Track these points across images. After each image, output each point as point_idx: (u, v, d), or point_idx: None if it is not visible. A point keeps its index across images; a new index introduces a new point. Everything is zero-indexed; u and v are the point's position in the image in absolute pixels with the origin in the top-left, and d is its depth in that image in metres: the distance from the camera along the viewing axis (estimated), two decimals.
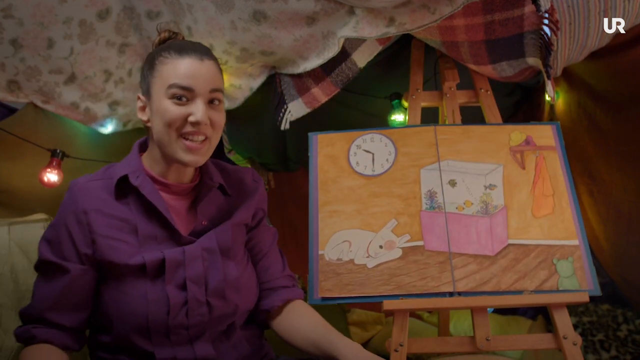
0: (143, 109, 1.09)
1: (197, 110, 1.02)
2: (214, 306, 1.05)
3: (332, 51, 1.48)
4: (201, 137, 1.04)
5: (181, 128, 1.03)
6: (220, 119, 1.08)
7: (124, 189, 1.07)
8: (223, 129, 1.16)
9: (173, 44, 1.07)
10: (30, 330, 1.02)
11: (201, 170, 1.15)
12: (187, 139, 1.03)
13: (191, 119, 1.02)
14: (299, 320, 1.16)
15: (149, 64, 1.07)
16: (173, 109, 1.02)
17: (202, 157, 1.06)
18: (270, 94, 1.70)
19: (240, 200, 1.18)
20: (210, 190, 1.12)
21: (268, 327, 1.21)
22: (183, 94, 1.02)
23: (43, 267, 1.05)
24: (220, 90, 1.08)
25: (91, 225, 1.03)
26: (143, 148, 1.16)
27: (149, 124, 1.08)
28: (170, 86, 1.02)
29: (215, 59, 1.10)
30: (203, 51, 1.07)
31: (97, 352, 1.08)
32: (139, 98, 1.09)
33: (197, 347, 1.04)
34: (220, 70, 1.12)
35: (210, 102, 1.06)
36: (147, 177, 1.08)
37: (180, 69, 1.03)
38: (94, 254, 1.03)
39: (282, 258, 1.26)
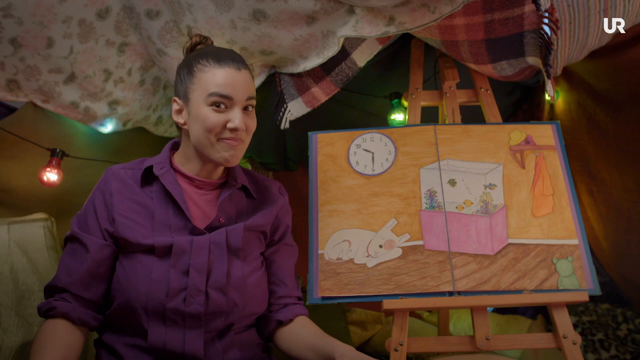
0: (179, 112, 1.17)
1: (235, 117, 1.11)
2: (212, 298, 1.09)
3: (331, 50, 1.48)
4: (237, 142, 1.12)
5: (220, 133, 1.11)
6: (254, 123, 1.18)
7: (149, 178, 1.17)
8: None
9: (210, 52, 1.14)
10: (52, 302, 1.09)
11: (228, 172, 1.23)
12: (224, 142, 1.11)
13: (230, 125, 1.10)
14: (301, 329, 1.20)
15: (187, 70, 1.14)
16: (213, 116, 1.10)
17: (236, 158, 1.15)
18: (270, 94, 1.70)
19: (262, 207, 1.24)
20: (232, 190, 1.20)
21: (271, 338, 1.24)
22: (222, 102, 1.10)
23: (70, 239, 1.15)
24: (254, 97, 1.16)
25: (114, 206, 1.13)
26: (175, 147, 1.25)
27: (185, 127, 1.16)
28: (211, 94, 1.10)
29: (249, 68, 1.18)
30: (239, 60, 1.15)
31: (100, 330, 1.14)
32: (175, 101, 1.17)
33: (188, 340, 1.07)
34: (253, 77, 1.20)
35: (245, 109, 1.14)
36: (171, 169, 1.17)
37: (219, 78, 1.11)
38: (113, 230, 1.12)
39: (297, 278, 1.31)
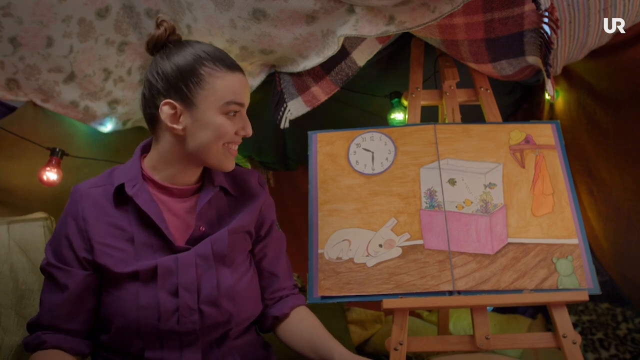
0: (176, 116, 1.05)
1: (247, 124, 1.11)
2: (206, 314, 1.05)
3: (331, 50, 1.48)
4: (237, 146, 1.12)
5: (227, 139, 1.08)
6: None
7: (122, 196, 1.08)
8: None
9: (217, 55, 1.07)
10: (40, 336, 1.03)
11: (204, 173, 1.17)
12: (229, 148, 1.10)
13: (242, 132, 1.10)
14: (299, 325, 1.18)
15: (190, 72, 1.04)
16: (228, 124, 1.06)
17: (234, 161, 1.14)
18: (269, 93, 1.70)
19: (243, 204, 1.19)
20: (210, 194, 1.13)
21: (272, 331, 1.24)
22: (236, 110, 1.08)
23: (48, 271, 1.07)
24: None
25: (89, 232, 1.05)
26: (146, 150, 1.16)
27: (181, 133, 1.05)
28: (229, 103, 1.05)
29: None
30: (240, 65, 1.13)
31: (98, 350, 1.10)
32: (167, 104, 1.04)
33: (186, 355, 1.05)
34: None
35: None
36: (144, 184, 1.08)
37: (234, 85, 1.07)
38: (93, 258, 1.05)
39: (289, 265, 1.28)
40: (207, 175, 1.16)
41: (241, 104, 1.08)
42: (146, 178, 1.10)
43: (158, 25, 1.09)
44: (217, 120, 1.05)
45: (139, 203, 1.05)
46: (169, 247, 1.07)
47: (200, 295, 1.06)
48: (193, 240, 1.09)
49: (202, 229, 1.11)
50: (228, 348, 1.11)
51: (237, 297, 1.10)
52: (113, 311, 1.04)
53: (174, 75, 1.04)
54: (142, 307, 1.02)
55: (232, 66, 1.08)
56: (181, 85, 1.04)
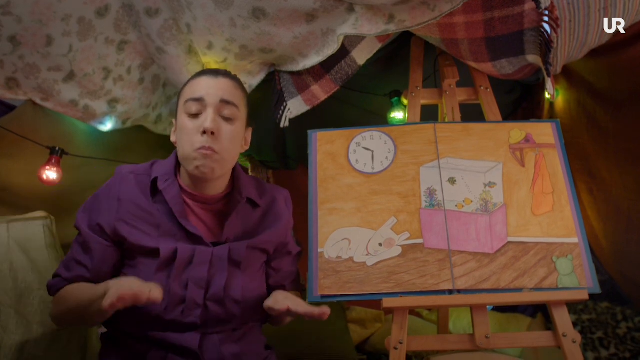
0: (175, 132, 1.21)
1: (206, 119, 1.12)
2: (210, 310, 1.10)
3: (331, 49, 1.47)
4: (209, 152, 1.11)
5: (196, 143, 1.11)
6: (231, 133, 1.15)
7: (155, 187, 1.18)
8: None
9: (200, 71, 1.21)
10: (62, 279, 1.13)
11: (233, 184, 1.23)
12: (198, 152, 1.11)
13: (201, 128, 1.11)
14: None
15: (179, 93, 1.20)
16: (189, 123, 1.13)
17: (210, 170, 1.13)
18: (269, 92, 1.70)
19: (268, 222, 1.25)
20: (237, 206, 1.19)
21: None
22: (195, 106, 1.13)
23: (77, 237, 1.17)
24: (232, 103, 1.16)
25: (120, 212, 1.13)
26: None
27: (176, 144, 1.19)
28: (187, 102, 1.14)
29: (234, 78, 1.20)
30: (222, 72, 1.18)
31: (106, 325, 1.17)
32: (173, 123, 1.23)
33: (187, 337, 1.09)
34: (240, 88, 1.20)
35: (223, 116, 1.15)
36: (176, 182, 1.18)
37: (195, 85, 1.16)
38: (116, 234, 1.12)
39: (299, 276, 1.36)
40: (236, 186, 1.22)
41: (197, 99, 1.13)
42: (176, 179, 1.20)
43: None
44: (181, 122, 1.15)
45: (167, 198, 1.14)
46: (189, 239, 1.13)
47: (209, 292, 1.11)
48: (214, 244, 1.15)
49: (228, 239, 1.17)
50: (226, 336, 1.14)
51: (244, 302, 1.14)
52: None
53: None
54: None
55: (203, 72, 1.18)
56: (177, 104, 1.21)
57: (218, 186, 1.20)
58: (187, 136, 1.13)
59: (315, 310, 1.04)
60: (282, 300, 1.09)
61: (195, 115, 1.13)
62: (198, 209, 1.19)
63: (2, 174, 1.71)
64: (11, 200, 1.79)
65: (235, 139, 1.17)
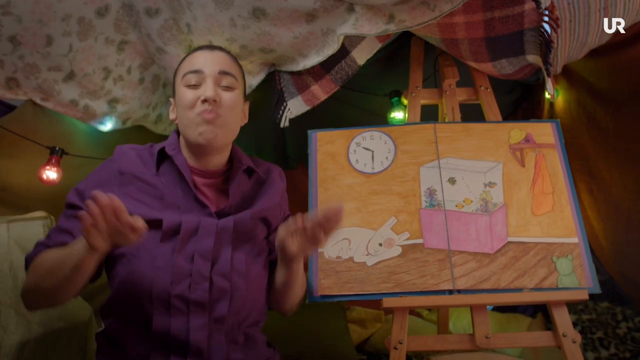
0: (173, 109, 1.25)
1: (206, 88, 1.15)
2: (216, 284, 1.08)
3: (331, 48, 1.47)
4: (211, 115, 1.13)
5: (198, 108, 1.14)
6: (231, 100, 1.19)
7: (159, 160, 1.19)
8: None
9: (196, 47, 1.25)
10: (42, 247, 1.08)
11: (232, 157, 1.26)
12: (199, 117, 1.14)
13: (201, 96, 1.14)
14: None
15: (176, 70, 1.23)
16: (188, 93, 1.16)
17: (213, 134, 1.15)
18: (269, 92, 1.70)
19: (264, 189, 1.26)
20: (238, 173, 1.22)
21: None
22: (194, 77, 1.16)
23: (65, 211, 1.14)
24: (230, 74, 1.20)
25: (122, 186, 1.13)
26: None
27: (176, 121, 1.22)
28: (185, 75, 1.17)
29: (230, 53, 1.25)
30: (218, 47, 1.24)
31: (104, 318, 1.13)
32: (170, 102, 1.26)
33: (192, 329, 1.05)
34: (236, 63, 1.25)
35: (222, 85, 1.18)
36: (181, 153, 1.20)
37: (193, 59, 1.20)
38: None
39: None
40: (235, 157, 1.26)
41: (195, 71, 1.17)
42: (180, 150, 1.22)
43: None
44: (179, 94, 1.18)
45: (176, 162, 1.16)
46: (194, 209, 1.13)
47: (215, 266, 1.10)
48: (219, 215, 1.15)
49: (232, 205, 1.18)
50: (232, 337, 1.11)
51: (249, 275, 1.13)
52: (128, 271, 1.06)
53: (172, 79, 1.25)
54: (158, 268, 1.06)
55: (199, 47, 1.22)
56: (173, 83, 1.24)
57: (218, 160, 1.22)
58: (189, 104, 1.15)
59: (329, 209, 1.02)
60: (290, 224, 1.08)
61: (194, 86, 1.17)
62: (200, 184, 1.19)
63: (2, 174, 1.71)
64: (11, 200, 1.79)
65: (235, 107, 1.20)
